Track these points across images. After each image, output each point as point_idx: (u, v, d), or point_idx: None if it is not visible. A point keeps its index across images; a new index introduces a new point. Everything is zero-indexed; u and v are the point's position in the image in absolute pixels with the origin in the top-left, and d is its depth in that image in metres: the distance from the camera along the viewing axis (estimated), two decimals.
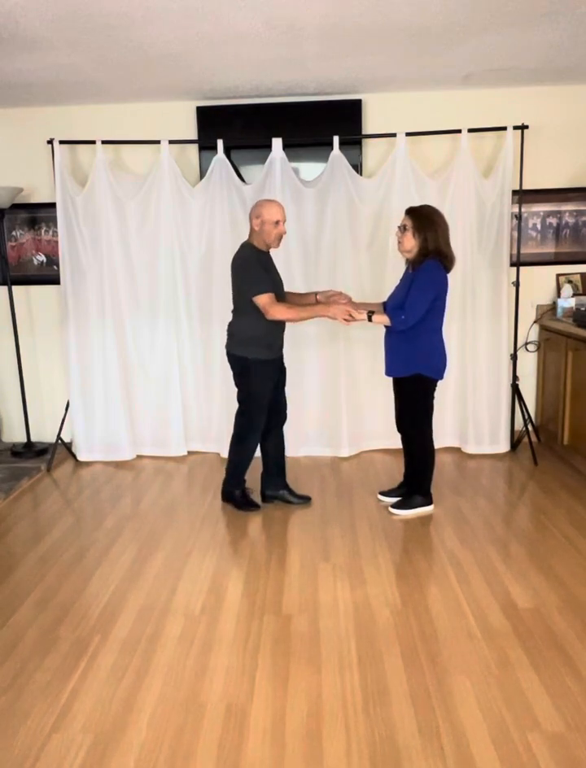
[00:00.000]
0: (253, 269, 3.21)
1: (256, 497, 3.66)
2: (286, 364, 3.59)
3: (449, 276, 3.20)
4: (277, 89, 4.01)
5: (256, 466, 3.67)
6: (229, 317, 3.43)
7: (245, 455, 3.49)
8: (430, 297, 3.11)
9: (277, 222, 3.21)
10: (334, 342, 4.29)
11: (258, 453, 3.58)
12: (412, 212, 3.17)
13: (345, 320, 3.15)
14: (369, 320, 3.17)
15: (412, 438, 3.39)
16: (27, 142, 4.35)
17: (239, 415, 3.45)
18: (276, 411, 3.52)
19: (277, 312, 3.17)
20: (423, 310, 3.11)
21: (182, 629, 2.46)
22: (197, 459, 4.45)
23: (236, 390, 3.44)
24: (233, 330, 3.38)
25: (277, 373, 3.44)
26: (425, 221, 3.11)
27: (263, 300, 3.17)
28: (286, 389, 3.60)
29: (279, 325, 3.34)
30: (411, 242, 3.15)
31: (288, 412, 3.66)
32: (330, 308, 3.18)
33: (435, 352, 3.24)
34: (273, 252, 3.38)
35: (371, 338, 4.25)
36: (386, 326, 3.24)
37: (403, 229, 3.16)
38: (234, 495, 3.58)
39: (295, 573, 2.86)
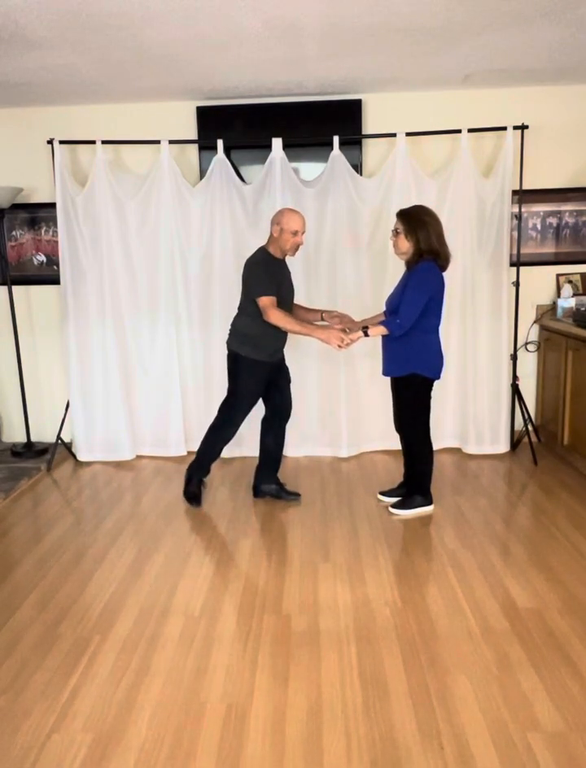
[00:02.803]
0: (261, 272, 3.29)
1: (249, 491, 3.66)
2: (287, 364, 3.61)
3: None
4: (277, 89, 4.01)
5: (251, 463, 3.67)
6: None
7: (217, 445, 3.54)
8: (423, 299, 3.12)
9: (295, 232, 3.28)
10: None
11: (256, 449, 3.58)
12: (401, 215, 3.20)
13: (338, 346, 3.17)
14: (366, 335, 3.20)
15: (410, 437, 3.39)
16: (27, 142, 4.36)
17: (223, 405, 3.50)
18: (280, 408, 3.58)
19: (273, 315, 3.23)
20: (417, 312, 3.13)
21: (182, 629, 2.46)
22: None
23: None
24: (232, 327, 3.45)
25: (268, 375, 3.46)
26: (414, 222, 3.14)
27: (263, 301, 3.24)
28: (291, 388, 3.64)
29: (277, 331, 3.35)
30: (405, 245, 3.18)
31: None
32: (324, 332, 3.21)
33: (430, 352, 3.25)
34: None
35: (371, 338, 4.24)
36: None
37: (395, 232, 3.21)
38: (191, 481, 3.62)
39: (295, 573, 2.86)
